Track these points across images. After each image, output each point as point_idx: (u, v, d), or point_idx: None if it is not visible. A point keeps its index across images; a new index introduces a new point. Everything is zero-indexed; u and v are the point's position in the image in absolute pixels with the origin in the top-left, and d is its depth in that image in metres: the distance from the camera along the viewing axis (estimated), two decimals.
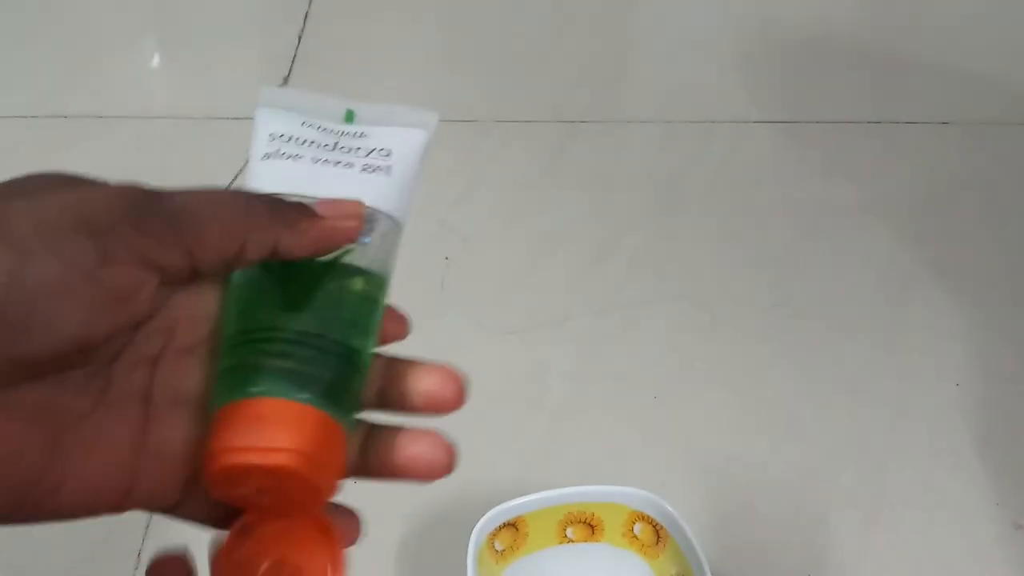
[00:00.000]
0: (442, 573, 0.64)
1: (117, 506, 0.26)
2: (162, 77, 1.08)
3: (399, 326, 0.30)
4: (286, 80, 1.02)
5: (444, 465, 0.28)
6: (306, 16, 1.10)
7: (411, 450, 0.28)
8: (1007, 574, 0.64)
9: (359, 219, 0.28)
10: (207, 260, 0.25)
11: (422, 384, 0.29)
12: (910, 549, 0.65)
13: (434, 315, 0.76)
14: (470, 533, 0.55)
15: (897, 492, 0.68)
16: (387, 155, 0.31)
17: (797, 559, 0.65)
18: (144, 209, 0.24)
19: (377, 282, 0.30)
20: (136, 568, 0.65)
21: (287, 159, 0.30)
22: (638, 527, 0.59)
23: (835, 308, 0.79)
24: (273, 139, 0.31)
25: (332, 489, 0.27)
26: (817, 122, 0.95)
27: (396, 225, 0.31)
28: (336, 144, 0.31)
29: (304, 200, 0.28)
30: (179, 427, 0.27)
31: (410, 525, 0.66)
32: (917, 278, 0.81)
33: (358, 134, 0.32)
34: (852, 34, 1.05)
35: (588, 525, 0.59)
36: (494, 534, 0.57)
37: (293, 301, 0.28)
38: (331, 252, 0.28)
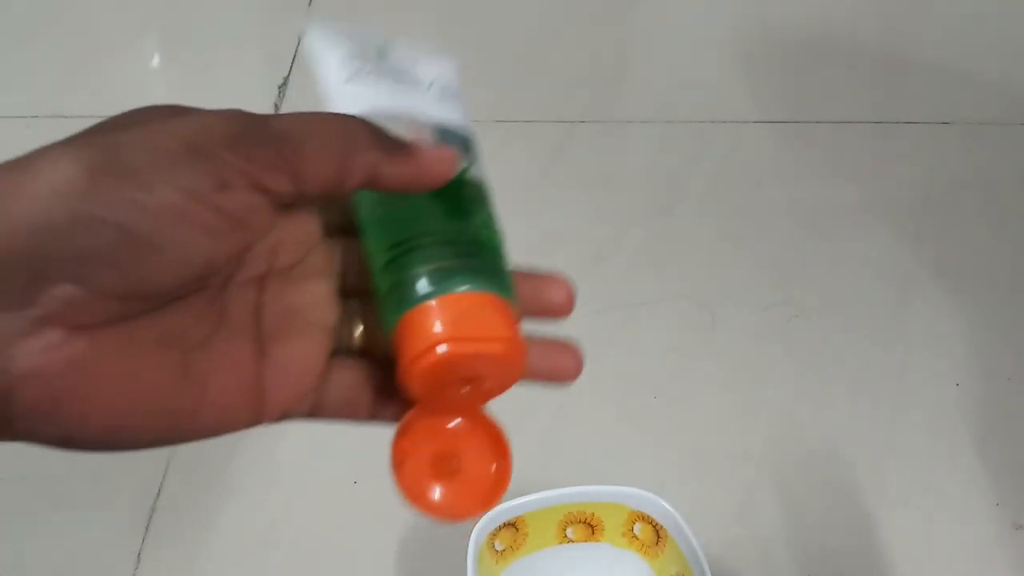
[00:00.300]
0: (442, 573, 0.64)
1: (255, 421, 0.27)
2: (162, 77, 1.08)
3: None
4: (286, 80, 1.02)
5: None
6: (306, 16, 1.10)
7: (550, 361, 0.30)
8: (1007, 574, 0.64)
9: (451, 167, 0.28)
10: (310, 183, 0.25)
11: (545, 294, 0.30)
12: (910, 549, 0.65)
13: None
14: (470, 533, 0.55)
15: (897, 492, 0.68)
16: (449, 82, 0.32)
17: (797, 559, 0.65)
18: (250, 135, 0.24)
19: (488, 191, 0.31)
20: (136, 568, 0.65)
21: (371, 82, 0.30)
22: (638, 527, 0.59)
23: (835, 308, 0.79)
24: (348, 62, 0.31)
25: (521, 375, 0.29)
26: (817, 122, 0.95)
27: (478, 144, 0.32)
28: (399, 69, 0.31)
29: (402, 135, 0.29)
30: (297, 340, 0.28)
31: (410, 525, 0.66)
32: (917, 278, 0.81)
33: (410, 63, 0.32)
34: (852, 34, 1.05)
35: (588, 525, 0.59)
36: (494, 534, 0.57)
37: (440, 212, 0.29)
38: (422, 191, 0.28)
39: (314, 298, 0.29)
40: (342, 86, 0.30)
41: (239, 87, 1.02)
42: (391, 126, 0.28)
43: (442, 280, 0.27)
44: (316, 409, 0.29)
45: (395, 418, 0.29)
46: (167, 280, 0.23)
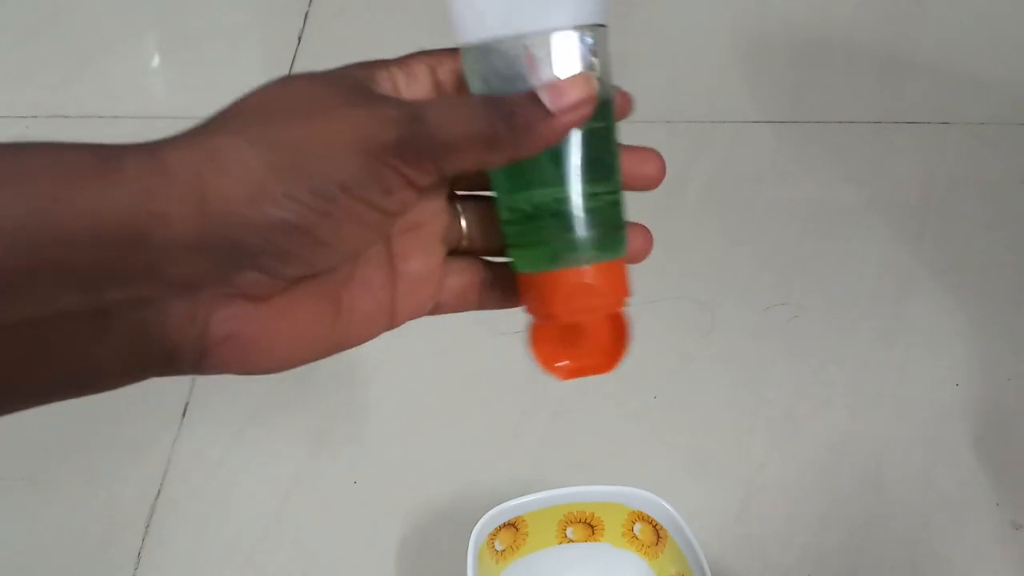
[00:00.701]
0: (442, 572, 0.64)
1: (386, 330, 0.32)
2: (162, 77, 1.09)
3: (625, 102, 0.33)
4: None
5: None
6: (306, 16, 1.10)
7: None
8: (1006, 574, 0.64)
9: (591, 99, 0.29)
10: (454, 175, 0.29)
11: (639, 167, 0.33)
12: (909, 548, 0.65)
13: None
14: (470, 533, 0.55)
15: (896, 492, 0.68)
16: None
17: (797, 558, 0.65)
18: (412, 141, 0.27)
19: (611, 96, 0.32)
20: (136, 568, 0.65)
21: None
22: (638, 527, 0.59)
23: (835, 307, 0.79)
24: None
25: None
26: (817, 122, 0.95)
27: (604, 31, 0.31)
28: None
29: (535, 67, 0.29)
30: (421, 255, 0.32)
31: (411, 524, 0.66)
32: (917, 277, 0.81)
33: None
34: (852, 34, 1.05)
35: (588, 525, 0.59)
36: (494, 534, 0.57)
37: (574, 160, 0.31)
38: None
39: (431, 211, 0.32)
40: (466, 1, 0.31)
41: (239, 87, 1.02)
42: (523, 58, 0.29)
43: (565, 251, 0.31)
44: (435, 308, 0.33)
45: (499, 305, 0.34)
46: (335, 263, 0.28)
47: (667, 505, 0.57)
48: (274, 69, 1.03)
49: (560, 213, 0.31)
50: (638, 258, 0.34)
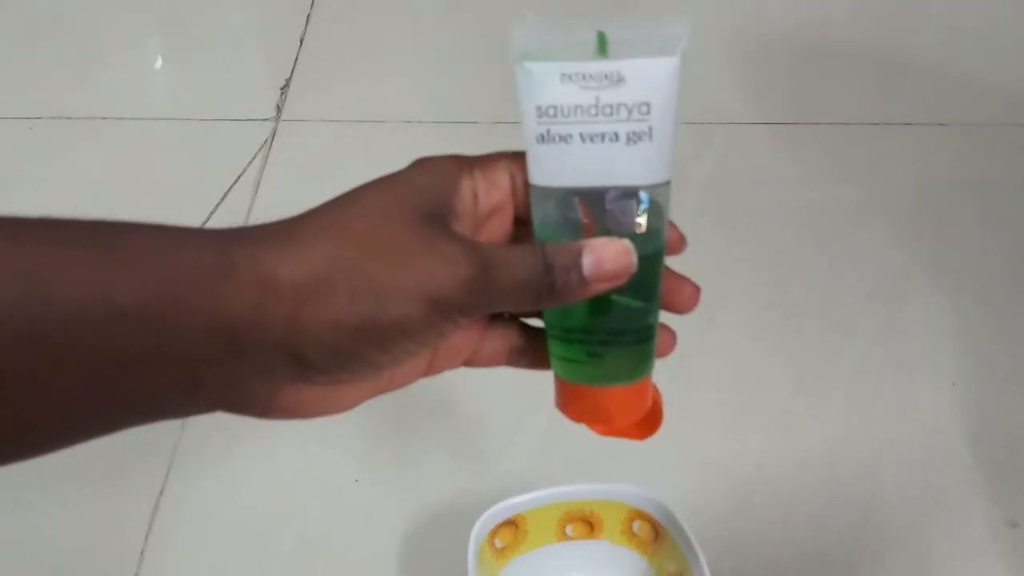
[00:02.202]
0: (443, 570, 0.64)
1: (423, 377, 0.35)
2: (165, 79, 1.09)
3: (678, 242, 0.36)
4: (288, 82, 1.02)
5: None
6: (308, 18, 1.11)
7: None
8: (1002, 572, 0.64)
9: (626, 271, 0.31)
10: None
11: (676, 295, 0.35)
12: (906, 547, 0.65)
13: None
14: (471, 530, 0.55)
15: (893, 491, 0.68)
16: (646, 113, 0.32)
17: (795, 556, 0.65)
18: (478, 302, 0.30)
19: (661, 247, 0.33)
20: (139, 566, 0.66)
21: (559, 143, 0.32)
22: (637, 525, 0.59)
23: (833, 307, 0.79)
24: (541, 115, 0.32)
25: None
26: (816, 123, 0.96)
27: (664, 187, 0.32)
28: (598, 103, 0.32)
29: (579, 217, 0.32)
30: (462, 330, 0.34)
31: (411, 522, 0.67)
32: (914, 277, 0.81)
33: (615, 78, 0.32)
34: (850, 36, 1.06)
35: (587, 523, 0.60)
36: (494, 531, 0.57)
37: (610, 301, 0.33)
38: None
39: None
40: (534, 145, 0.32)
41: (242, 89, 1.03)
42: (577, 211, 0.32)
43: (593, 375, 0.34)
44: (465, 363, 0.36)
45: (528, 368, 0.37)
46: (383, 372, 0.32)
47: (666, 503, 0.57)
48: (276, 71, 1.04)
49: (591, 342, 0.33)
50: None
